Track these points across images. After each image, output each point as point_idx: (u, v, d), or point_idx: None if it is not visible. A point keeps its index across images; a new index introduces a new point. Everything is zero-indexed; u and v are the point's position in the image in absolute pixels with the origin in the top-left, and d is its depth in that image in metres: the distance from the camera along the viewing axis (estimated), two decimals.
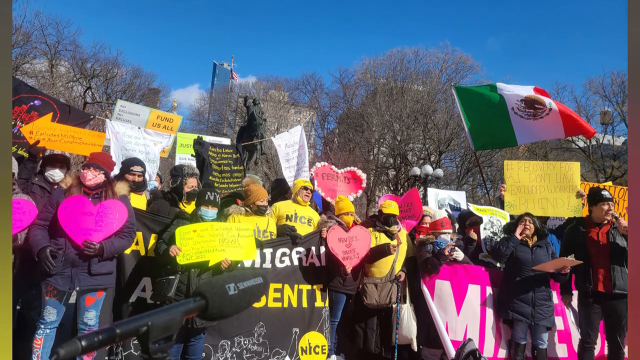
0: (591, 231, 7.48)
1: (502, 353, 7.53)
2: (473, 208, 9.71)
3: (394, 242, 7.74)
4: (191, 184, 7.65)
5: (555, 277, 7.45)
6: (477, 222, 8.94)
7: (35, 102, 9.03)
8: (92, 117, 12.11)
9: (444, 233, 8.02)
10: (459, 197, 12.83)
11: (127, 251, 6.57)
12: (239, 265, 6.64)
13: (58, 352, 1.22)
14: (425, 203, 11.50)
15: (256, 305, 6.85)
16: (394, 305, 7.88)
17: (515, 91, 11.55)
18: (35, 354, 5.68)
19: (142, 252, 6.80)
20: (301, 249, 7.69)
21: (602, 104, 45.96)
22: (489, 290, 7.75)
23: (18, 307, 7.05)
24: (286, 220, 7.94)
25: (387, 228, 8.06)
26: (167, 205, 7.38)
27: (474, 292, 7.71)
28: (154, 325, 1.37)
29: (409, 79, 53.45)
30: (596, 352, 7.42)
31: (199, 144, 10.64)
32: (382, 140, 48.26)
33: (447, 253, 7.56)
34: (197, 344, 6.33)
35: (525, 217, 7.71)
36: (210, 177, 10.21)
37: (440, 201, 12.13)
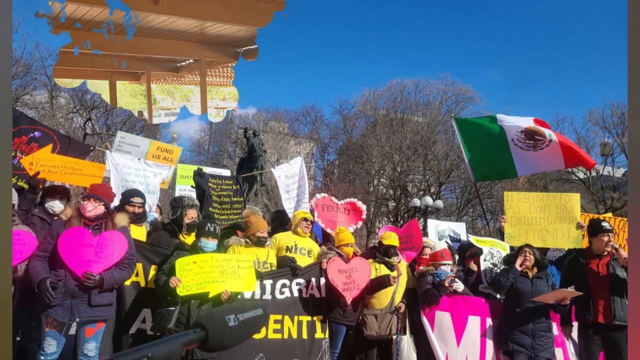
0: (591, 262, 7.47)
1: None
2: (473, 239, 9.68)
3: (394, 274, 7.72)
4: (191, 215, 7.65)
5: (555, 309, 7.41)
6: (477, 253, 8.94)
7: (35, 133, 9.03)
8: (92, 148, 12.13)
9: (444, 264, 8.01)
10: (459, 229, 12.85)
11: (127, 282, 6.57)
12: (239, 296, 6.62)
13: None
14: (425, 234, 11.51)
15: (256, 336, 6.79)
16: (394, 337, 7.86)
17: (515, 122, 11.59)
18: None
19: (142, 284, 6.80)
20: (301, 280, 7.66)
21: (602, 135, 45.97)
22: (489, 321, 7.72)
23: (18, 339, 7.04)
24: (286, 252, 7.92)
25: (387, 259, 8.04)
26: (167, 237, 7.38)
27: (474, 324, 7.68)
28: (154, 357, 1.38)
29: (409, 110, 53.41)
30: None
31: (199, 175, 10.65)
32: (382, 172, 48.12)
33: (447, 284, 7.56)
34: None
35: (525, 248, 7.69)
36: (210, 209, 10.20)
37: (440, 232, 12.15)
